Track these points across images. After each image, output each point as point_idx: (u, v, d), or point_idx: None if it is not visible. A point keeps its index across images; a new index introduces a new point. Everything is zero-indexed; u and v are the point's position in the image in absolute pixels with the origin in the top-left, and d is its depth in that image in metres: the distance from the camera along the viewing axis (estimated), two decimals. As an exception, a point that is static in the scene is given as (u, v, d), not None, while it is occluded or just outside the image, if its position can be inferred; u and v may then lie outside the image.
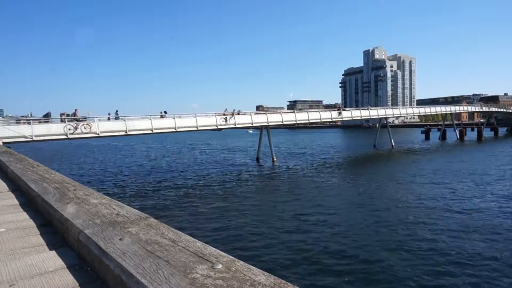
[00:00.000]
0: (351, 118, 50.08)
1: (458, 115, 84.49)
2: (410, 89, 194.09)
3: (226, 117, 34.42)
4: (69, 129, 25.51)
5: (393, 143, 52.76)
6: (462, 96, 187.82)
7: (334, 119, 48.79)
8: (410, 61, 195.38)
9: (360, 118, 52.09)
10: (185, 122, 32.34)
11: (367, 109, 53.25)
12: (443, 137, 67.00)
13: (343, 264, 10.66)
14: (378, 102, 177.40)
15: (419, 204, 17.88)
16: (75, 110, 26.99)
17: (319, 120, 45.77)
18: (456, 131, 66.54)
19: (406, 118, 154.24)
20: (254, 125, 38.20)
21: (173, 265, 1.42)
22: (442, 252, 11.37)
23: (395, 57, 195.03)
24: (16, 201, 3.71)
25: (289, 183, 25.59)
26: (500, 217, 15.27)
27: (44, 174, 4.59)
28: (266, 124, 38.00)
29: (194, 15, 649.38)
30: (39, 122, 27.65)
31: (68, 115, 27.29)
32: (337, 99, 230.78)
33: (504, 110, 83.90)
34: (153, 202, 20.09)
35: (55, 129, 25.85)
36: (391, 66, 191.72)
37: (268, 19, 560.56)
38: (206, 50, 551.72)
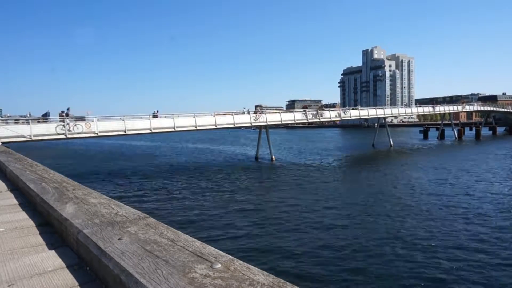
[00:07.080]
0: (350, 118, 50.10)
1: (456, 114, 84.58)
2: (409, 88, 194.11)
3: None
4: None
5: (391, 143, 52.79)
6: (460, 96, 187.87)
7: (333, 119, 48.80)
8: (409, 61, 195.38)
9: (359, 117, 52.15)
10: (184, 122, 32.31)
11: (366, 108, 53.28)
12: (441, 136, 67.17)
13: (340, 260, 10.67)
14: (376, 102, 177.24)
15: (417, 202, 17.91)
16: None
17: (318, 120, 45.79)
18: (455, 130, 66.69)
19: (405, 118, 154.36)
20: (253, 124, 38.19)
21: (172, 264, 1.42)
22: (440, 246, 11.41)
23: (393, 57, 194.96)
24: (15, 201, 3.71)
25: (288, 181, 25.55)
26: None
27: (43, 173, 4.58)
28: (265, 123, 38.02)
29: (193, 14, 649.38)
30: (38, 122, 27.58)
31: (67, 114, 27.08)
32: (336, 98, 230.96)
33: (503, 110, 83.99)
34: (152, 202, 20.05)
35: (54, 129, 25.81)
36: (390, 66, 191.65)
37: (267, 18, 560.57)
38: (205, 50, 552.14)
